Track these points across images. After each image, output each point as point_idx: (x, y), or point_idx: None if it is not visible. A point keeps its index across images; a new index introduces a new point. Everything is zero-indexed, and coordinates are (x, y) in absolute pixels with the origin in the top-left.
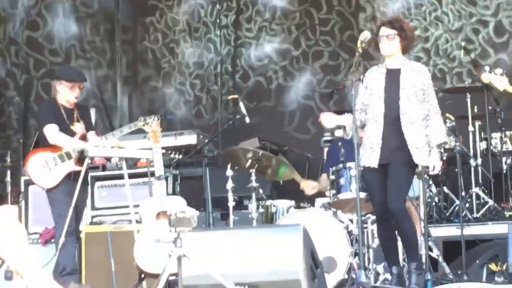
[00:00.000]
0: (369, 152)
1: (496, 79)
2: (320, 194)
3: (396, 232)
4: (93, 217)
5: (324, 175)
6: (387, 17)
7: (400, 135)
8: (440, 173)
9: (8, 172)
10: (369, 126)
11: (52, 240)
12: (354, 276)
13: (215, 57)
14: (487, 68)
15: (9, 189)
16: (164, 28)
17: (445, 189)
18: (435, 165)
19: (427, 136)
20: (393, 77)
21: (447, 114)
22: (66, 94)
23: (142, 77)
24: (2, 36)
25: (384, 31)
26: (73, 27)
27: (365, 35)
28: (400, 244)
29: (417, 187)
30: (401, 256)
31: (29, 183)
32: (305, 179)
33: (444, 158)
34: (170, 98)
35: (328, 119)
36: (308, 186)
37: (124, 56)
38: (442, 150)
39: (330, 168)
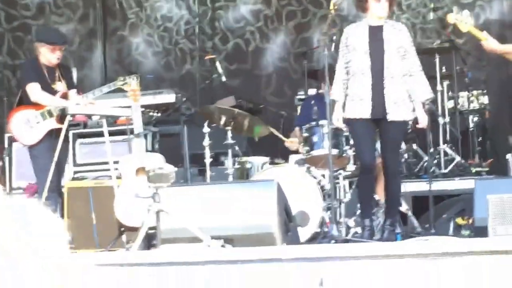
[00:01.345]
0: (358, 104)
1: (461, 19)
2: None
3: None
4: (75, 172)
5: (296, 129)
6: None
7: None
8: (409, 130)
9: None
10: (356, 79)
11: (35, 195)
12: (326, 229)
13: (187, 15)
14: (454, 8)
15: None
16: None
17: (414, 146)
18: (423, 119)
19: (408, 92)
20: (376, 33)
21: None
22: (47, 56)
23: (110, 29)
24: None
25: None
26: None
27: None
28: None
29: None
30: None
31: (13, 140)
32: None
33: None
34: (137, 48)
35: (339, 121)
36: (293, 143)
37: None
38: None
39: (303, 126)
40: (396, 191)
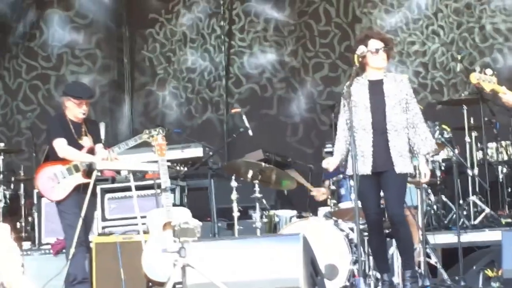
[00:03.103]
0: (360, 160)
1: (485, 78)
2: (324, 203)
3: (394, 240)
4: (103, 228)
5: (326, 182)
6: (371, 31)
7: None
8: (438, 182)
9: (22, 185)
10: (357, 136)
11: (63, 251)
12: (354, 283)
13: (209, 64)
14: (477, 68)
15: (22, 201)
16: (162, 39)
17: (443, 197)
18: (425, 173)
19: (412, 145)
20: (376, 87)
21: (444, 126)
22: (73, 110)
23: (137, 83)
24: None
25: (376, 44)
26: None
27: (362, 49)
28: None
29: (415, 196)
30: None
31: (41, 195)
32: (314, 188)
33: (443, 168)
34: (163, 100)
35: (330, 164)
36: (320, 192)
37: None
38: (440, 159)
39: (331, 179)
40: (407, 241)
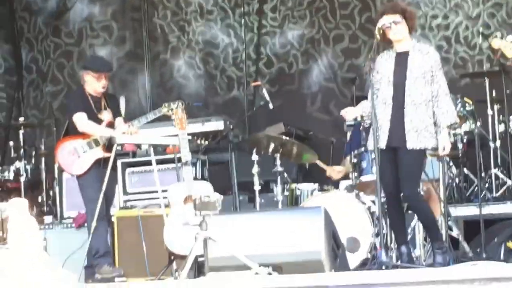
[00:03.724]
0: (379, 134)
1: (506, 45)
2: (344, 177)
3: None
4: (125, 201)
5: (347, 158)
6: (385, 6)
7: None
8: (460, 155)
9: (43, 160)
10: (378, 109)
11: (85, 225)
12: (376, 255)
13: (236, 42)
14: (498, 34)
15: (43, 175)
16: (174, 7)
17: (465, 170)
18: (445, 146)
19: (434, 118)
20: (402, 60)
21: (466, 99)
22: (93, 84)
23: (152, 54)
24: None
25: (389, 18)
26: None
27: (381, 22)
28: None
29: (437, 168)
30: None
31: (62, 169)
32: (328, 165)
33: (464, 141)
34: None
35: (348, 114)
36: (334, 172)
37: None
38: (462, 132)
39: (352, 152)
40: (426, 215)
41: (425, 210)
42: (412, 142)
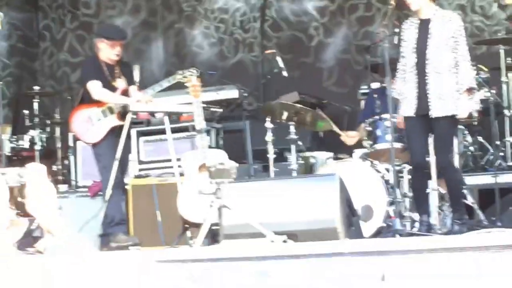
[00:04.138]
0: (406, 102)
1: None
2: (359, 145)
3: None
4: (139, 170)
5: (362, 125)
6: None
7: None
8: (475, 123)
9: (58, 129)
10: (407, 76)
11: (100, 193)
12: (390, 224)
13: (245, 6)
14: None
15: (58, 144)
16: None
17: (480, 138)
18: (464, 109)
19: (457, 84)
20: (424, 26)
21: (480, 66)
22: (107, 52)
23: (166, 22)
24: None
25: None
26: None
27: None
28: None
29: None
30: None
31: (77, 138)
32: (344, 130)
33: (479, 108)
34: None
35: (347, 139)
36: (348, 137)
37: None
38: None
39: (366, 120)
40: (455, 185)
41: (454, 179)
42: (436, 110)
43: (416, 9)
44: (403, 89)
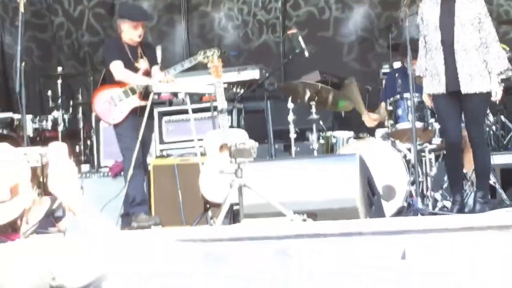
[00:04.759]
0: (436, 79)
1: None
2: (380, 125)
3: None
4: (161, 150)
5: (382, 104)
6: None
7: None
8: (497, 102)
9: (80, 109)
10: (431, 54)
11: (121, 173)
12: (412, 203)
13: None
14: None
15: (81, 125)
16: None
17: (502, 118)
18: (497, 91)
19: (485, 64)
20: (447, 6)
21: (503, 45)
22: (129, 33)
23: (192, 5)
24: None
25: None
26: None
27: None
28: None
29: None
30: None
31: (99, 119)
32: (366, 112)
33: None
34: (219, 23)
35: (368, 120)
36: (369, 119)
37: None
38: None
39: (388, 99)
40: (484, 163)
41: (483, 157)
42: (466, 86)
43: None
44: (427, 66)
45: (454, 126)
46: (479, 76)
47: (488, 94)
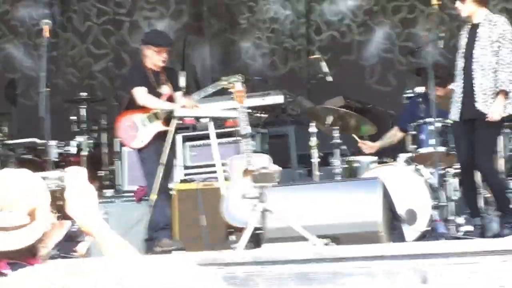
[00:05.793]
0: (454, 106)
1: None
2: (402, 149)
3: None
4: (185, 175)
5: (395, 128)
6: None
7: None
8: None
9: (104, 134)
10: (456, 82)
11: (145, 198)
12: (435, 227)
13: (292, 13)
14: None
15: (105, 150)
16: None
17: None
18: (495, 111)
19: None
20: (473, 31)
21: None
22: (153, 58)
23: (215, 30)
24: None
25: None
26: None
27: None
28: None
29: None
30: None
31: (123, 144)
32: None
33: None
34: (247, 52)
35: (367, 148)
36: (366, 145)
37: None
38: None
39: (409, 124)
40: (498, 190)
41: (495, 183)
42: (481, 105)
43: (466, 16)
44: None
45: (466, 150)
46: (492, 98)
47: (501, 121)
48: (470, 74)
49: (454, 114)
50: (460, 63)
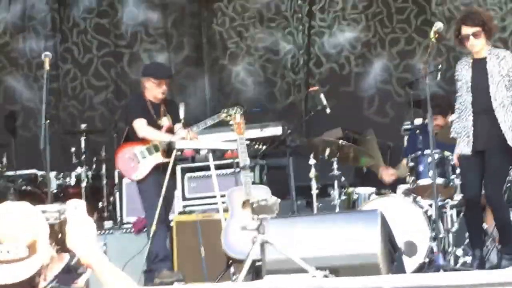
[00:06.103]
0: (465, 141)
1: None
2: (402, 180)
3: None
4: (184, 206)
5: (404, 161)
6: (465, 14)
7: (492, 122)
8: None
9: (103, 165)
10: (463, 115)
11: (145, 229)
12: (434, 259)
13: (293, 47)
14: None
15: (104, 181)
16: (232, 13)
17: None
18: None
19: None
20: (479, 66)
21: None
22: (153, 91)
23: (211, 59)
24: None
25: (468, 29)
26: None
27: (438, 26)
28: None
29: None
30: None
31: (122, 175)
32: (383, 166)
33: None
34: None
35: (387, 175)
36: (386, 174)
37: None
38: None
39: (409, 155)
40: (503, 219)
41: (504, 213)
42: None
43: (477, 51)
44: (459, 128)
45: (474, 181)
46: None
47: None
48: (485, 111)
49: (465, 148)
50: (468, 97)
